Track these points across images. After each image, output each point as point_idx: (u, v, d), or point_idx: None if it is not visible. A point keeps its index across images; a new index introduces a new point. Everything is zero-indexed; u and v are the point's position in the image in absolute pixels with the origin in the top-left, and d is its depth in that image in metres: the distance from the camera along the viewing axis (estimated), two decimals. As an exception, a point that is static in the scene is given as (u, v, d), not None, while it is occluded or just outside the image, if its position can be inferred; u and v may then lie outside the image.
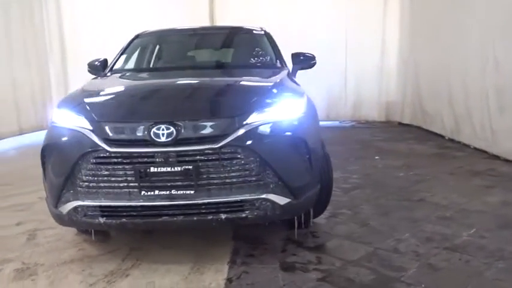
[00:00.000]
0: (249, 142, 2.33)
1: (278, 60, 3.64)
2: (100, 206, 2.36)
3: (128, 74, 3.55)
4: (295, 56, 3.78)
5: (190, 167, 2.29)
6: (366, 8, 8.59)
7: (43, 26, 8.47)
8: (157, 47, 4.00)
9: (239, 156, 2.33)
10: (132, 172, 2.30)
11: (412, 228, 3.07)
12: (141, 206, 2.34)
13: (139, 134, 2.31)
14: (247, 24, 4.25)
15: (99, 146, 2.31)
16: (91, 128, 2.38)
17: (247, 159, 2.33)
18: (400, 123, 8.56)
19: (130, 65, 3.72)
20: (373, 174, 4.66)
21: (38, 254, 2.82)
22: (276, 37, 8.17)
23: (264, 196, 2.38)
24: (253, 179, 2.37)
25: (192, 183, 2.31)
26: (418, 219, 3.26)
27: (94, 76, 3.66)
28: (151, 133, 2.28)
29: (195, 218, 2.36)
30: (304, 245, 2.82)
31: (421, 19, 7.60)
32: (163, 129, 2.28)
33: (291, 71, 3.69)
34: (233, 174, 2.34)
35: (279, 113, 2.52)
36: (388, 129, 8.15)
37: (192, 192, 2.32)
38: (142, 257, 2.71)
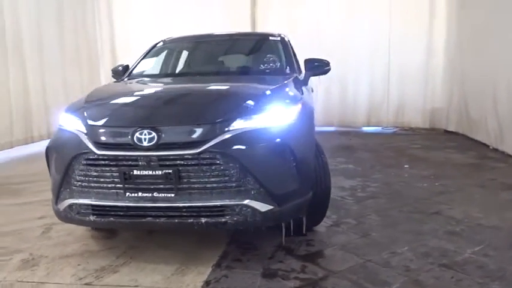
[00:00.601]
0: (228, 148, 2.37)
1: (288, 67, 3.64)
2: (91, 205, 2.51)
3: (138, 79, 3.71)
4: (308, 62, 3.76)
5: (171, 171, 2.36)
6: (411, 10, 8.29)
7: (95, 35, 8.99)
8: (174, 53, 4.14)
9: (218, 162, 2.37)
10: (118, 174, 2.42)
11: (414, 242, 2.95)
12: (127, 207, 2.45)
13: (124, 138, 2.43)
14: (268, 31, 4.28)
15: (89, 148, 2.45)
16: (85, 131, 2.54)
17: (227, 165, 2.37)
18: (446, 131, 8.17)
19: (147, 70, 3.88)
20: (395, 184, 4.51)
21: (46, 246, 3.02)
22: (314, 40, 8.29)
23: (243, 202, 2.40)
24: (234, 184, 2.40)
25: (173, 186, 2.38)
26: (425, 232, 3.13)
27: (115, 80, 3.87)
28: (135, 138, 2.38)
29: (176, 221, 2.44)
30: (295, 253, 2.80)
31: (468, 23, 7.21)
32: (145, 134, 2.37)
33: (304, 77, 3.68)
34: (213, 179, 2.39)
35: (264, 120, 2.53)
36: (431, 136, 7.81)
37: (173, 195, 2.40)
38: (136, 255, 2.82)
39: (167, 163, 2.37)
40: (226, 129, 2.42)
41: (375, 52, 8.56)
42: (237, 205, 2.40)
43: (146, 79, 3.78)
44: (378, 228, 3.23)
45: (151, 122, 2.44)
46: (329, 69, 3.91)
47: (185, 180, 2.39)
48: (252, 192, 2.42)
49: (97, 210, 2.50)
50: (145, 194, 2.42)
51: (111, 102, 2.85)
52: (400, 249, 2.83)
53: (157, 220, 2.44)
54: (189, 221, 2.42)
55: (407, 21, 8.29)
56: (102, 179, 2.46)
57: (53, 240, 3.14)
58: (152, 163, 2.37)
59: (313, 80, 8.56)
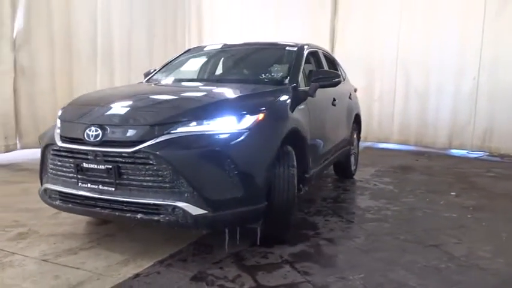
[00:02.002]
0: (162, 151, 2.46)
1: (290, 77, 3.58)
2: (57, 191, 2.82)
3: (145, 83, 3.99)
4: (313, 74, 3.67)
5: (111, 166, 2.55)
6: (506, 28, 7.40)
7: (184, 43, 9.70)
8: (191, 61, 4.34)
9: (151, 162, 2.48)
10: (73, 165, 2.69)
11: (376, 271, 2.70)
12: (81, 196, 2.70)
13: (78, 133, 2.68)
14: (290, 41, 4.25)
15: (55, 141, 2.77)
16: (59, 126, 2.87)
17: (160, 166, 2.47)
18: (542, 161, 7.12)
19: (161, 75, 4.14)
20: (419, 210, 4.11)
21: (46, 225, 3.43)
22: (393, 54, 7.88)
23: (175, 203, 2.48)
24: (167, 185, 2.50)
25: (113, 181, 2.57)
26: (399, 263, 2.84)
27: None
28: (85, 133, 2.62)
29: (117, 214, 2.62)
30: (243, 262, 2.77)
31: None
32: (93, 131, 2.60)
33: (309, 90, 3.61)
34: (148, 178, 2.51)
35: (206, 127, 2.59)
36: (519, 165, 6.86)
37: (113, 189, 2.58)
38: (105, 242, 3.06)
39: (109, 159, 2.56)
40: (166, 132, 2.53)
41: (462, 70, 7.82)
42: (170, 205, 2.49)
43: (148, 83, 4.03)
44: (350, 251, 3.03)
45: (100, 120, 2.66)
46: (338, 82, 3.77)
47: (125, 177, 2.55)
48: (186, 195, 2.49)
49: (61, 196, 2.80)
50: (93, 186, 2.64)
51: (88, 101, 3.13)
52: (352, 276, 2.63)
53: (103, 211, 2.65)
54: (127, 215, 2.58)
55: (501, 39, 7.42)
56: (64, 169, 2.75)
57: (56, 221, 3.54)
58: (98, 158, 2.58)
59: (386, 95, 8.26)
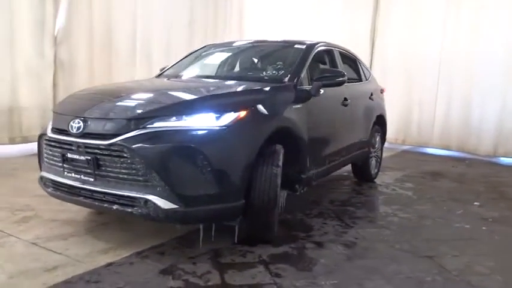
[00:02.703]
0: (135, 145, 2.51)
1: (290, 76, 3.52)
2: (49, 179, 2.96)
3: (153, 79, 4.07)
4: (317, 73, 3.58)
5: (90, 158, 2.64)
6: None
7: (223, 39, 9.79)
8: (203, 57, 4.36)
9: (126, 155, 2.53)
10: (60, 155, 2.81)
11: (351, 279, 2.59)
12: (66, 184, 2.83)
13: (64, 125, 2.80)
14: (304, 39, 4.18)
15: (47, 131, 2.92)
16: (52, 117, 3.02)
17: (134, 160, 2.52)
18: None
19: (175, 71, 4.20)
20: (428, 218, 3.89)
21: (53, 211, 3.59)
22: (435, 55, 7.51)
23: (147, 197, 2.52)
24: (141, 179, 2.55)
25: (92, 172, 2.66)
26: (381, 272, 2.71)
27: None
28: (69, 125, 2.74)
29: (96, 203, 2.71)
30: (218, 260, 2.76)
31: None
32: (76, 123, 2.70)
33: (314, 87, 3.54)
34: (124, 171, 2.57)
35: (186, 123, 2.60)
36: None
37: (92, 180, 2.68)
38: (97, 230, 3.17)
39: (89, 150, 2.65)
40: (142, 126, 2.57)
41: (509, 76, 7.28)
42: (142, 198, 2.54)
43: (156, 78, 4.10)
44: (334, 257, 2.92)
45: (83, 112, 2.76)
46: (343, 81, 3.65)
47: (103, 168, 2.63)
48: (158, 189, 2.53)
49: (52, 183, 2.94)
50: (76, 176, 2.75)
51: (78, 96, 3.23)
52: (324, 282, 2.54)
53: (85, 200, 2.75)
54: (105, 205, 2.66)
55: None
56: (54, 158, 2.89)
57: (63, 207, 3.68)
58: (80, 149, 2.68)
59: (426, 98, 7.84)
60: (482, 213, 4.18)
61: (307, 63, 3.74)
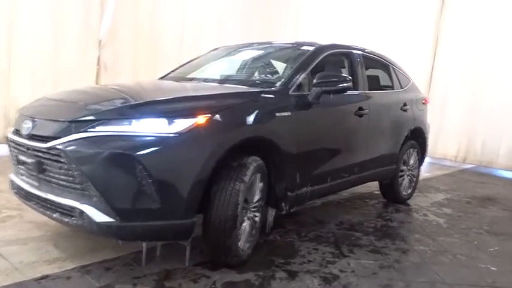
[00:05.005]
0: (70, 149, 2.28)
1: (285, 80, 3.13)
2: (11, 180, 2.86)
3: (152, 80, 3.86)
4: (319, 77, 3.15)
5: (35, 161, 2.48)
6: None
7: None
8: (212, 60, 4.06)
9: (62, 161, 2.33)
10: (15, 157, 2.69)
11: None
12: (20, 187, 2.70)
13: (18, 125, 2.66)
14: (320, 42, 3.75)
15: (10, 132, 2.82)
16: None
17: (70, 166, 2.30)
18: None
19: (177, 73, 3.97)
20: (447, 254, 3.26)
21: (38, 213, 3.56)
22: (508, 66, 6.57)
23: (81, 207, 2.30)
24: (78, 187, 2.33)
25: (36, 176, 2.49)
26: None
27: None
28: (21, 126, 2.60)
29: (41, 209, 2.54)
30: (164, 282, 2.45)
31: None
32: (26, 124, 2.55)
33: (313, 93, 3.13)
34: (63, 177, 2.36)
35: (131, 128, 2.33)
36: None
37: (37, 184, 2.51)
38: (63, 237, 3.01)
39: (33, 153, 2.49)
40: (82, 130, 2.34)
41: None
42: (78, 209, 2.32)
43: (155, 80, 3.87)
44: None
45: (34, 114, 2.59)
46: (347, 87, 3.19)
47: (46, 173, 2.45)
48: (94, 199, 2.29)
49: (14, 185, 2.84)
50: (27, 179, 2.61)
51: (45, 98, 3.05)
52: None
53: (34, 205, 2.60)
54: (47, 212, 2.49)
55: None
56: (12, 159, 2.79)
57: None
58: (29, 151, 2.53)
59: (494, 113, 6.84)
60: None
61: (310, 67, 3.32)
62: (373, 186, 4.73)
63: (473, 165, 7.53)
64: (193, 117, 2.43)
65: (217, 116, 2.51)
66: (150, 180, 2.27)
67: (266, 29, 9.11)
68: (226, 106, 2.61)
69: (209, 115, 2.48)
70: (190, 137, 2.38)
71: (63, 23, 6.33)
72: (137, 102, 2.56)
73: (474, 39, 7.35)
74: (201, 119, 2.44)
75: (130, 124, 2.36)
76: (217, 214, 2.50)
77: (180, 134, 2.35)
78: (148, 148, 2.29)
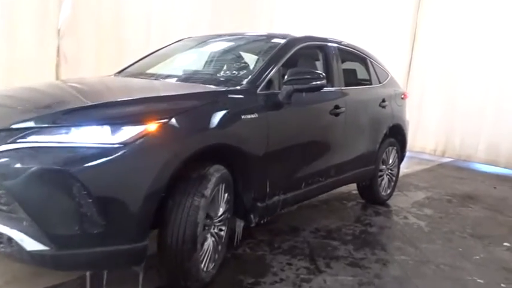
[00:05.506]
0: (-4, 163, 1.93)
1: (252, 77, 2.80)
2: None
3: (107, 77, 3.47)
4: (290, 74, 2.83)
5: None
6: None
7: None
8: (176, 53, 3.68)
9: (-13, 176, 1.96)
10: None
11: None
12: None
13: None
14: (292, 33, 3.43)
15: None
16: None
17: (-3, 183, 1.94)
18: None
19: (136, 68, 3.58)
20: (430, 265, 3.03)
21: None
22: (486, 60, 6.42)
23: (9, 233, 1.93)
24: (5, 208, 1.96)
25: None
26: None
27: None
28: None
29: None
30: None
31: None
32: None
33: (284, 92, 2.81)
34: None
35: (67, 138, 1.96)
36: None
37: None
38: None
39: None
40: (11, 140, 1.96)
41: None
42: (4, 234, 1.95)
43: (110, 76, 3.48)
44: None
45: None
46: (320, 85, 2.88)
47: (-25, 189, 2.08)
48: (24, 223, 1.93)
49: None
50: None
51: None
52: None
53: None
54: None
55: None
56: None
57: None
58: None
59: (473, 108, 6.69)
60: (510, 260, 3.24)
61: (281, 62, 3.00)
62: (352, 185, 4.47)
63: (452, 159, 7.38)
64: (142, 124, 2.08)
65: (172, 122, 2.17)
66: (90, 200, 1.92)
67: (240, 19, 8.71)
68: (182, 110, 2.27)
69: (162, 121, 2.13)
70: (139, 147, 2.03)
71: (17, 10, 5.83)
72: (78, 106, 2.19)
73: (452, 31, 7.18)
74: (152, 126, 2.09)
75: (68, 133, 2.00)
76: (174, 235, 2.18)
77: (126, 144, 2.00)
78: (87, 162, 1.94)
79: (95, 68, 6.62)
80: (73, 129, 2.01)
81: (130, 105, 2.26)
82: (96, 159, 1.95)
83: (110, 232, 1.99)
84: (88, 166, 1.93)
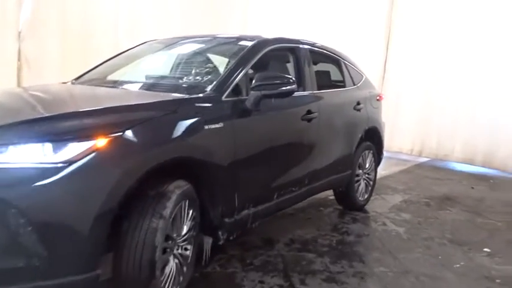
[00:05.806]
0: None
1: (217, 83, 2.60)
2: None
3: (60, 84, 3.21)
4: (258, 79, 2.64)
5: None
6: None
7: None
8: (138, 58, 3.44)
9: None
10: None
11: None
12: None
13: None
14: (261, 35, 3.25)
15: None
16: None
17: None
18: None
19: (95, 74, 3.33)
20: (409, 275, 2.88)
21: None
22: (461, 55, 6.39)
23: None
24: None
25: None
26: None
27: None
28: None
29: None
30: None
31: None
32: None
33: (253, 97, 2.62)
34: None
35: (2, 158, 1.75)
36: None
37: None
38: None
39: None
40: None
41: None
42: None
43: (65, 84, 3.23)
44: None
45: None
46: (291, 90, 2.71)
47: None
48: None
49: None
50: None
51: None
52: None
53: None
54: None
55: None
56: None
57: None
58: None
59: (448, 105, 6.65)
60: (491, 267, 3.12)
61: (248, 66, 2.81)
62: (329, 191, 4.32)
63: (429, 159, 7.32)
64: (90, 139, 1.86)
65: (125, 136, 1.96)
66: (29, 228, 1.70)
67: (212, 21, 8.51)
68: (137, 122, 2.05)
69: (113, 135, 1.92)
70: (86, 166, 1.81)
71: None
72: (16, 121, 1.95)
73: (427, 30, 7.12)
74: (102, 141, 1.87)
75: (5, 152, 1.77)
76: (129, 261, 1.97)
77: (70, 162, 1.79)
78: (25, 185, 1.71)
79: (60, 72, 6.31)
80: (10, 147, 1.78)
81: (79, 118, 2.03)
82: (35, 181, 1.73)
83: (55, 263, 1.77)
84: (26, 189, 1.71)
